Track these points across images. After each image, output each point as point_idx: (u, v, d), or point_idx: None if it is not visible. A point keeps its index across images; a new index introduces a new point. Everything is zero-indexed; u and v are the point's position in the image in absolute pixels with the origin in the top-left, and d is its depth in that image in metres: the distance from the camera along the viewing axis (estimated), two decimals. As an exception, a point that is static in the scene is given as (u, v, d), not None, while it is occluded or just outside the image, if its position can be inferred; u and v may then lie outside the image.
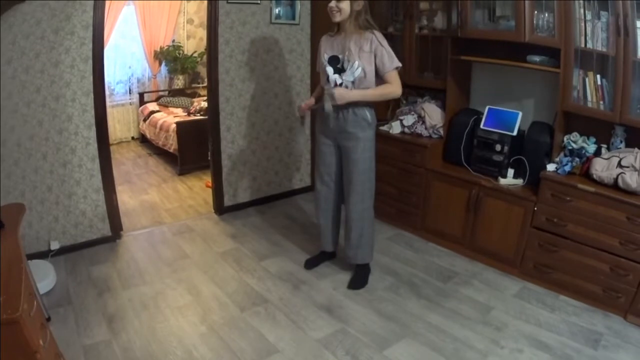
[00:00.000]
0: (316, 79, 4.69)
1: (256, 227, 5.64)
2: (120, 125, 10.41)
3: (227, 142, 5.84)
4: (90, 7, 4.60)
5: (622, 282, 3.84)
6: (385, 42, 3.85)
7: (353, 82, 3.84)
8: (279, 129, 6.32)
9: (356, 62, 3.79)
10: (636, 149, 3.92)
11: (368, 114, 3.96)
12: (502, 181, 4.53)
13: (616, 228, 3.81)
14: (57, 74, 4.55)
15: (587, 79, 4.10)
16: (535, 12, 4.19)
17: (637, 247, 3.71)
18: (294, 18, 6.18)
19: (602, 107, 4.04)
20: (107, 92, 9.50)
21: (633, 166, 3.78)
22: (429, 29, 5.34)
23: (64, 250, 4.84)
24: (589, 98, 4.12)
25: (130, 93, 10.67)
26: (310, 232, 5.38)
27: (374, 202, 4.26)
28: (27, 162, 4.51)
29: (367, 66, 3.83)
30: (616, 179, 3.82)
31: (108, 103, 9.59)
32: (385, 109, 5.99)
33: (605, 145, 4.22)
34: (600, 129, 4.23)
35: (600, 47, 3.94)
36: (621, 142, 4.14)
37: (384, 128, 5.44)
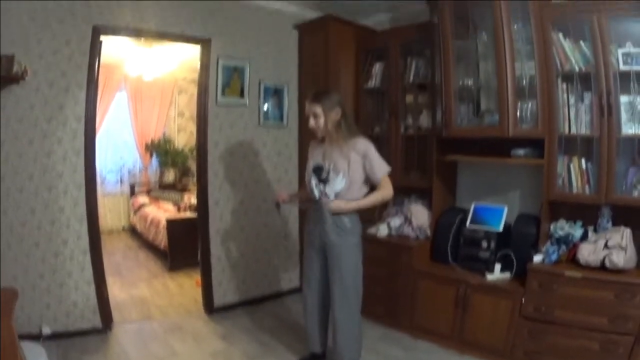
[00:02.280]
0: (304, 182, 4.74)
1: (246, 328, 5.55)
2: (111, 215, 10.53)
3: (216, 244, 5.84)
4: (83, 100, 4.76)
5: (613, 356, 3.82)
6: (372, 149, 3.89)
7: (337, 194, 3.86)
8: (267, 232, 6.30)
9: (340, 174, 3.81)
10: (622, 227, 3.99)
11: (347, 221, 3.91)
12: (489, 277, 4.54)
13: (604, 307, 3.82)
14: (50, 164, 4.65)
15: (572, 165, 4.25)
16: (519, 102, 4.34)
17: (626, 320, 3.72)
18: (282, 120, 6.33)
19: (587, 190, 4.18)
20: (98, 180, 9.69)
21: (619, 245, 3.83)
22: (414, 128, 5.48)
23: (55, 336, 4.79)
24: (574, 184, 4.25)
25: (121, 183, 10.83)
26: (299, 333, 5.32)
27: (361, 304, 4.18)
28: (19, 247, 4.54)
29: (354, 176, 3.84)
30: (603, 261, 3.87)
31: (99, 191, 9.75)
32: (373, 210, 5.86)
33: (592, 227, 4.28)
34: (587, 211, 4.31)
35: (584, 130, 4.15)
36: (608, 221, 4.21)
37: (371, 230, 5.45)
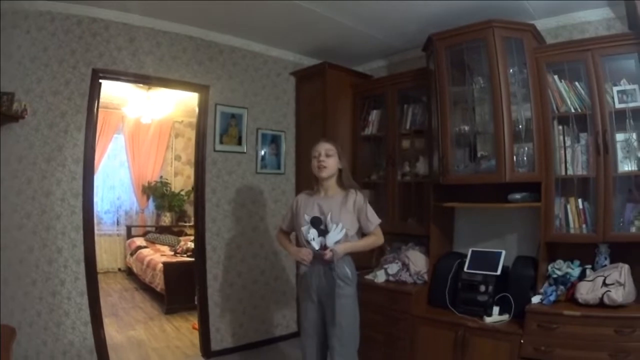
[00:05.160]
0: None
1: (243, 373, 5.52)
2: (107, 255, 10.61)
3: (214, 290, 5.83)
4: (82, 142, 4.85)
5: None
6: (366, 202, 3.92)
7: (337, 244, 3.79)
8: (265, 279, 6.32)
9: (340, 224, 3.78)
10: (620, 264, 3.97)
11: (348, 270, 3.85)
12: (488, 320, 4.45)
13: (605, 343, 3.74)
14: (48, 204, 4.69)
15: (568, 206, 4.27)
16: (516, 146, 4.37)
17: (627, 354, 3.65)
18: (279, 168, 6.40)
19: (584, 230, 4.19)
20: (94, 221, 9.82)
21: (618, 282, 3.80)
22: (411, 175, 5.48)
23: None
24: (571, 225, 4.26)
25: (117, 224, 10.92)
26: (297, 380, 5.30)
27: (358, 349, 4.04)
28: (16, 284, 4.53)
29: (351, 226, 3.83)
30: (601, 298, 3.83)
31: (95, 231, 9.88)
32: (370, 257, 5.83)
33: (589, 266, 4.24)
34: (584, 250, 4.31)
35: (580, 170, 4.18)
36: (605, 258, 4.19)
37: (369, 277, 5.35)
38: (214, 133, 5.79)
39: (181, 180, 11.55)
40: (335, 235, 3.79)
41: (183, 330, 6.92)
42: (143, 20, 5.20)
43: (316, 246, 3.83)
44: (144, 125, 10.28)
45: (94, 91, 4.93)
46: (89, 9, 4.86)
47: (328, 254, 3.70)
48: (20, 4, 4.54)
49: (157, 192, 11.06)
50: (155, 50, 5.32)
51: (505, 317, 4.44)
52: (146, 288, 8.92)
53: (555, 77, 4.32)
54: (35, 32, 4.65)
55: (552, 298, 4.14)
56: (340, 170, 3.94)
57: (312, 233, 3.85)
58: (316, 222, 3.86)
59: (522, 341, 4.15)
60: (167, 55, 5.42)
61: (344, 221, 3.80)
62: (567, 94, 4.26)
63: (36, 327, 4.65)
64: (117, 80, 5.28)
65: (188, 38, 5.57)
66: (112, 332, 6.51)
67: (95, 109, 4.97)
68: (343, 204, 3.86)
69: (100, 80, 5.00)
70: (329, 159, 3.88)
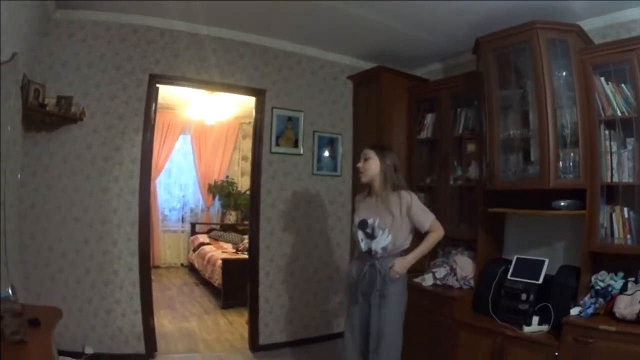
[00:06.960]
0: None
1: (287, 367, 5.57)
2: (170, 251, 10.87)
3: (265, 287, 5.94)
4: (139, 143, 5.09)
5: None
6: (416, 201, 3.87)
7: (384, 249, 3.83)
8: (317, 277, 6.36)
9: (386, 230, 3.80)
10: None
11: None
12: (526, 329, 4.33)
13: None
14: (105, 200, 4.96)
15: (614, 214, 4.09)
16: (561, 152, 4.23)
17: None
18: (335, 170, 6.47)
19: (629, 241, 4.00)
20: (159, 217, 10.36)
21: None
22: (463, 179, 5.45)
23: (97, 357, 4.93)
24: (616, 234, 4.08)
25: (182, 221, 11.16)
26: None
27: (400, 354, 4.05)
28: (71, 272, 4.82)
29: (399, 232, 3.83)
30: (638, 314, 3.60)
31: (160, 227, 10.46)
32: (423, 260, 5.52)
33: (632, 279, 4.00)
34: (629, 262, 4.05)
35: (626, 177, 4.00)
36: None
37: (417, 280, 5.34)
38: (270, 135, 5.92)
39: (248, 180, 11.43)
40: (382, 241, 3.83)
41: (236, 325, 7.03)
42: (198, 27, 5.40)
43: (364, 248, 3.90)
44: (210, 126, 10.43)
45: (151, 95, 5.19)
46: (143, 18, 5.12)
47: (394, 275, 3.80)
48: (75, 14, 4.84)
49: (223, 191, 11.24)
50: (211, 56, 5.50)
51: (545, 327, 4.31)
52: (206, 283, 9.10)
53: (602, 79, 4.14)
54: (92, 40, 4.94)
55: (590, 311, 3.95)
56: (384, 172, 3.90)
57: (360, 235, 3.92)
58: (363, 225, 3.91)
59: (556, 354, 4.03)
60: (223, 61, 5.60)
61: (390, 227, 3.82)
62: (613, 96, 4.08)
63: (86, 313, 4.92)
64: (174, 85, 5.58)
65: (243, 44, 5.73)
66: (165, 322, 6.74)
67: (153, 112, 5.23)
68: (391, 207, 3.84)
69: (157, 85, 5.25)
70: (366, 163, 3.93)
